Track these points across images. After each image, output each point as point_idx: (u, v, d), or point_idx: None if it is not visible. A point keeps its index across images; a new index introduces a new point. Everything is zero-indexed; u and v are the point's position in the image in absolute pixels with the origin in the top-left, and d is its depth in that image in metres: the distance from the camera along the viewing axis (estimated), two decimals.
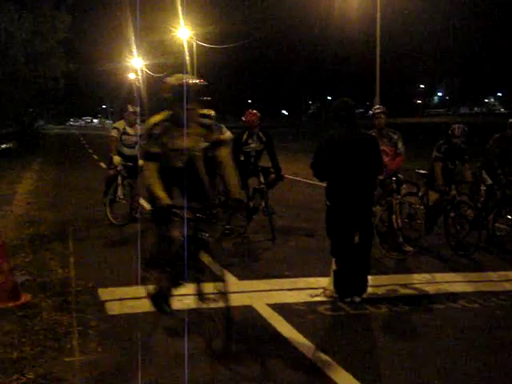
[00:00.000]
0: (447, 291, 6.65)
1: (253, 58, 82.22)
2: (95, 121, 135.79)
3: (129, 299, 6.06)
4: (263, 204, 9.23)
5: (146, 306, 5.86)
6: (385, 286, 6.78)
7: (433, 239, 9.10)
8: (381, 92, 30.20)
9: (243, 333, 5.23)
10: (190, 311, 5.71)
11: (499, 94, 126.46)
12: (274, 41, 78.62)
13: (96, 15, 69.18)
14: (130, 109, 10.42)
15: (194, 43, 53.95)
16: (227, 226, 9.44)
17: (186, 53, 52.29)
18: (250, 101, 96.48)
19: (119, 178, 10.12)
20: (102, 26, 70.98)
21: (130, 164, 10.24)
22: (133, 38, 59.81)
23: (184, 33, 51.88)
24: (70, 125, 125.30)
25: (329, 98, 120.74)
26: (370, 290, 6.35)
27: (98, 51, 70.84)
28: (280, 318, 5.56)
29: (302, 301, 6.10)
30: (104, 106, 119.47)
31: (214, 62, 69.77)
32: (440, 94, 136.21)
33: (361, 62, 60.32)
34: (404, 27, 67.40)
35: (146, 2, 56.70)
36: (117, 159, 10.01)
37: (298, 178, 17.76)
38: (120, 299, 6.07)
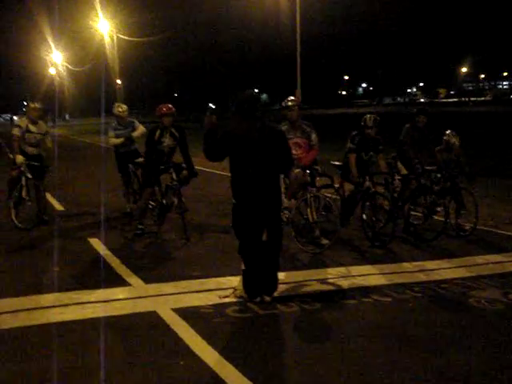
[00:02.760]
0: (361, 285, 6.52)
1: (178, 52, 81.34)
2: (15, 118, 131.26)
3: (23, 310, 5.59)
4: (176, 201, 8.88)
5: (40, 317, 5.43)
6: (298, 282, 6.57)
7: (350, 231, 9.02)
8: (304, 85, 30.26)
9: (142, 341, 4.89)
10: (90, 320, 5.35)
11: (421, 84, 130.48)
12: (198, 34, 78.00)
13: (11, 8, 66.79)
14: (31, 105, 9.84)
15: (115, 36, 52.58)
16: (139, 226, 9.04)
17: (107, 46, 50.98)
18: (176, 94, 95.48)
19: (23, 179, 9.52)
20: (18, 20, 68.63)
21: (35, 163, 9.68)
22: (50, 30, 57.96)
23: (104, 25, 50.42)
24: None
25: (256, 90, 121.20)
26: (281, 287, 6.13)
27: (16, 45, 68.55)
28: (184, 323, 5.24)
29: (210, 303, 5.79)
30: (25, 103, 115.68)
31: (138, 55, 68.62)
32: (364, 85, 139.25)
33: (285, 55, 60.62)
34: (325, 21, 68.29)
35: None
36: (19, 159, 9.42)
37: (215, 171, 17.43)
38: (14, 311, 5.60)
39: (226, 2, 64.08)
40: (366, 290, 6.32)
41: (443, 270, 7.24)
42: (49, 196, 12.80)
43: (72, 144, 34.90)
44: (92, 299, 5.93)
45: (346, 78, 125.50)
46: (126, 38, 54.41)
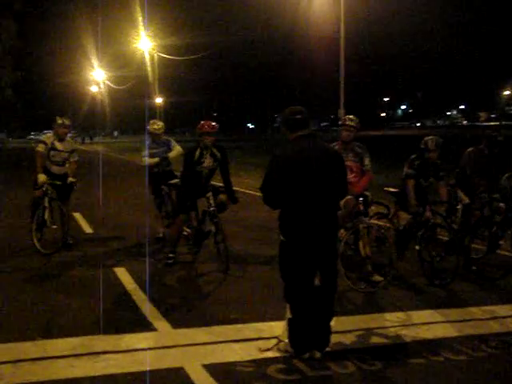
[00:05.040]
0: (427, 338, 5.48)
1: (217, 70, 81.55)
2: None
3: (26, 361, 4.72)
4: (214, 228, 7.98)
5: (44, 371, 4.53)
6: (351, 331, 5.57)
7: (405, 266, 7.99)
8: (345, 105, 29.31)
9: None
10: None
11: (462, 107, 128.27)
12: (238, 53, 78.12)
13: (52, 24, 67.76)
14: (59, 121, 9.08)
15: (156, 55, 52.63)
16: (170, 255, 8.16)
17: (148, 64, 51.06)
18: (215, 114, 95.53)
19: (46, 200, 8.77)
20: (59, 36, 69.71)
21: (59, 183, 8.91)
22: (93, 49, 58.73)
23: (145, 44, 50.58)
24: (31, 138, 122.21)
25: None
26: (333, 338, 5.14)
27: (58, 62, 69.69)
28: None
29: (249, 358, 4.82)
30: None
31: (178, 74, 68.87)
32: (403, 106, 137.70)
33: (325, 74, 59.93)
34: (366, 41, 67.57)
35: (105, 13, 55.68)
36: (41, 178, 8.66)
37: (250, 192, 16.40)
38: (16, 361, 4.73)
39: (269, 20, 63.88)
40: (433, 345, 5.29)
41: None
42: (79, 217, 12.12)
43: (109, 162, 34.53)
44: (108, 348, 5.02)
45: (386, 99, 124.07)
46: (166, 56, 54.48)
